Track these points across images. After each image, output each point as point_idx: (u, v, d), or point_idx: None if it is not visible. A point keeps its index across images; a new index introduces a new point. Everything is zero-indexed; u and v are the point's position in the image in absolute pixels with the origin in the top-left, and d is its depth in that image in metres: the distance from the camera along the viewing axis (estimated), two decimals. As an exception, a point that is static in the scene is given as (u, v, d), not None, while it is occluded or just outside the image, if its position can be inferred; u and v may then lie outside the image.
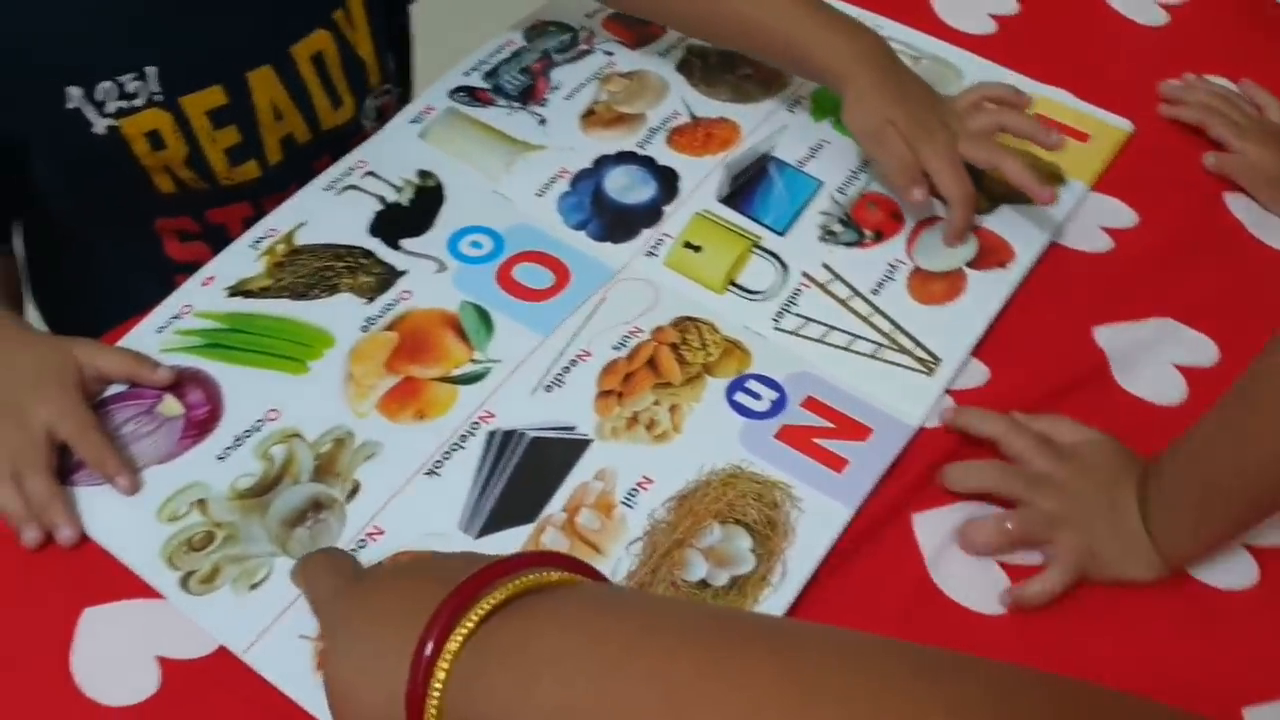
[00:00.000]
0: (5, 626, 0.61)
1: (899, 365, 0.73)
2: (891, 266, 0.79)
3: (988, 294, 0.77)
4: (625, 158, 0.84)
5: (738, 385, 0.71)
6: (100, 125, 0.74)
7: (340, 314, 0.73)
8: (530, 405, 0.70)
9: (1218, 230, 0.84)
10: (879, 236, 0.80)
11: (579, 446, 0.68)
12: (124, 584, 0.62)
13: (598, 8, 0.94)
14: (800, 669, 0.32)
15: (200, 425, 0.68)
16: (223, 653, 0.60)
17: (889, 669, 0.32)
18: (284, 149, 0.81)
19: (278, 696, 0.58)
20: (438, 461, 0.67)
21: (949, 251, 0.79)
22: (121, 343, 0.72)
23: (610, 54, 0.92)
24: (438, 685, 0.35)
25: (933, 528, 0.66)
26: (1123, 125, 0.89)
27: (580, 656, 0.35)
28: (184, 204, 0.81)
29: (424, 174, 0.82)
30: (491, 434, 0.68)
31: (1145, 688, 0.39)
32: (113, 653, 0.60)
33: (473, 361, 0.71)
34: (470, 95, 0.88)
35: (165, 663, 0.59)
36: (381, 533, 0.64)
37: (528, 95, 0.88)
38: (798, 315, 0.75)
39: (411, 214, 0.79)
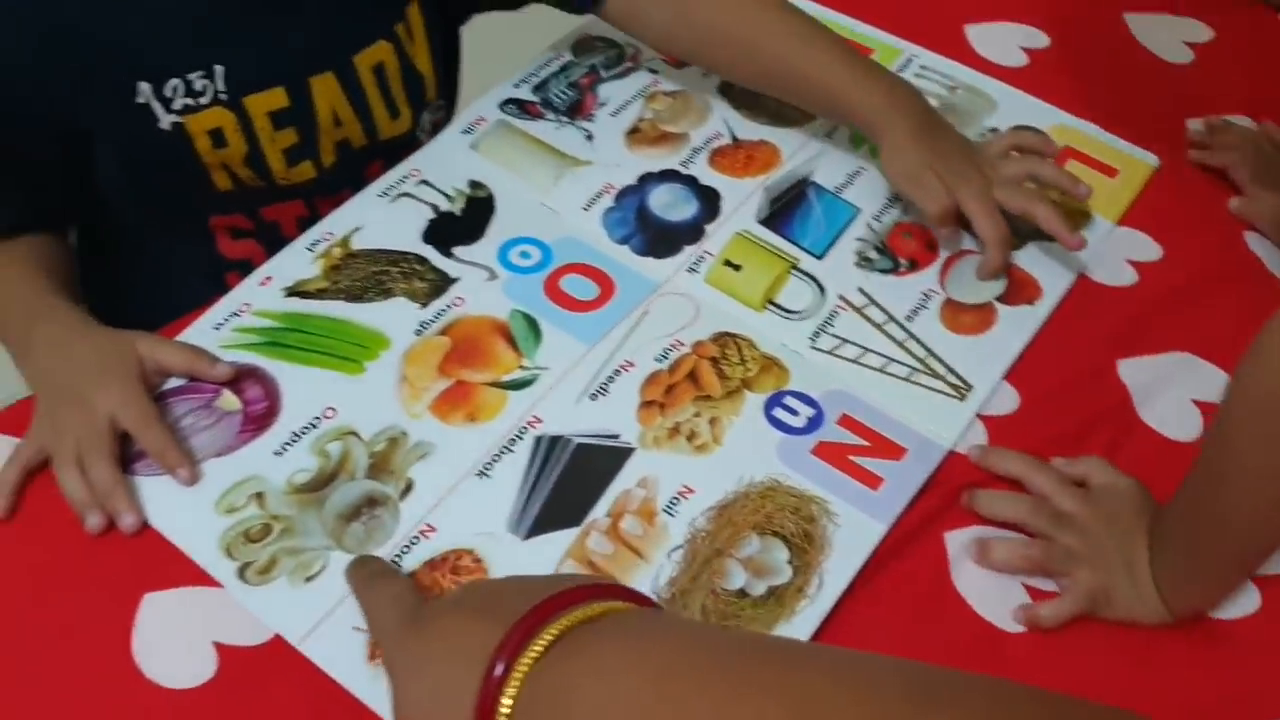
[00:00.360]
0: (70, 609, 0.63)
1: (932, 389, 0.75)
2: (925, 295, 0.81)
3: (1017, 329, 0.79)
4: (668, 176, 0.87)
5: (775, 401, 0.74)
6: (166, 121, 0.76)
7: (395, 317, 0.76)
8: (576, 412, 0.72)
9: (1239, 266, 0.86)
10: (913, 265, 0.83)
11: (622, 454, 0.70)
12: (183, 571, 0.64)
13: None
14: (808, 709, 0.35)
15: (258, 420, 0.70)
16: (278, 641, 0.62)
17: (889, 696, 0.34)
18: (338, 152, 0.83)
19: (331, 684, 0.60)
20: (488, 464, 0.69)
21: (980, 285, 0.81)
22: (179, 339, 0.74)
23: (655, 71, 0.95)
24: None
25: (963, 546, 0.68)
26: (1149, 159, 0.92)
27: (611, 713, 0.38)
28: (239, 201, 0.83)
29: (475, 184, 0.84)
30: (539, 439, 0.70)
31: (1153, 711, 0.41)
32: (172, 637, 0.62)
33: (521, 368, 0.74)
34: (520, 108, 0.90)
35: (222, 649, 0.62)
36: (434, 530, 0.66)
37: (575, 110, 0.91)
38: (834, 335, 0.78)
39: (463, 223, 0.82)
